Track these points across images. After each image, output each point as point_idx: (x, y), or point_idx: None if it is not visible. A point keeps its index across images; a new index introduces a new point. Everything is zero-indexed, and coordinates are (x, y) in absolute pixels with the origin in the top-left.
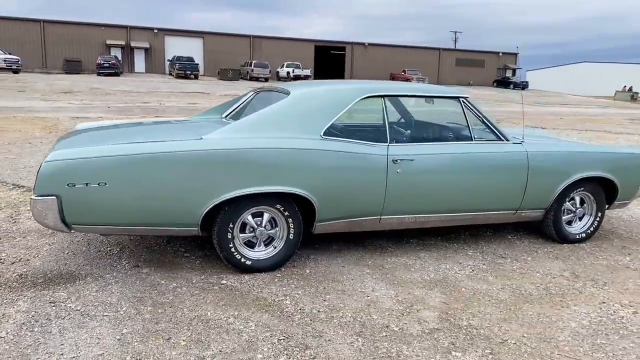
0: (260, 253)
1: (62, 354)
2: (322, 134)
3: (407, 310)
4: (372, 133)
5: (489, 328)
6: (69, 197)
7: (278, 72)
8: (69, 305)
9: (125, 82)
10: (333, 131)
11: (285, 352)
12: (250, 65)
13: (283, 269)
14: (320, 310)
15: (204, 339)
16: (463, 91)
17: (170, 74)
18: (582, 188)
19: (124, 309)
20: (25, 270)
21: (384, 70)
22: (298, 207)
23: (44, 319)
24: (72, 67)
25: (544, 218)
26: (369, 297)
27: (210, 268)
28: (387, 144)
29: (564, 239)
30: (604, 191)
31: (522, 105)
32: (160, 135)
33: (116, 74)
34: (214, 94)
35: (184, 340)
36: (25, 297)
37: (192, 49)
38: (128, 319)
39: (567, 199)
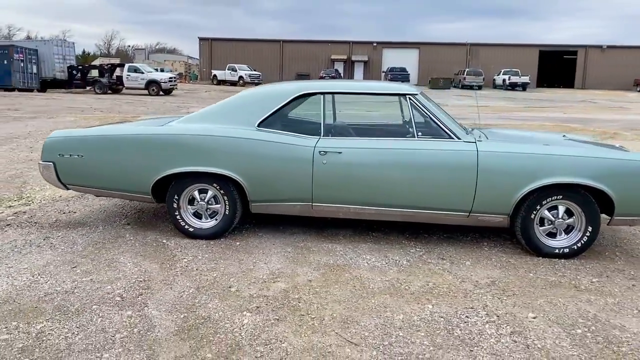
0: (204, 223)
1: (6, 264)
2: (256, 125)
3: (267, 280)
4: (308, 126)
5: (309, 303)
6: (60, 164)
7: (494, 79)
8: (52, 240)
9: None
10: (269, 123)
11: (130, 288)
12: (463, 74)
13: (223, 239)
14: (198, 269)
15: (94, 270)
16: (412, 89)
17: None
18: (561, 196)
19: (77, 247)
20: (64, 218)
21: (626, 75)
22: (235, 188)
23: (28, 245)
24: (302, 80)
25: (512, 226)
26: (252, 268)
27: (171, 232)
28: (319, 137)
29: (537, 251)
30: (600, 202)
31: (477, 103)
32: (147, 124)
33: None
34: None
35: (80, 269)
36: (38, 233)
37: (408, 59)
38: (71, 253)
39: (540, 207)
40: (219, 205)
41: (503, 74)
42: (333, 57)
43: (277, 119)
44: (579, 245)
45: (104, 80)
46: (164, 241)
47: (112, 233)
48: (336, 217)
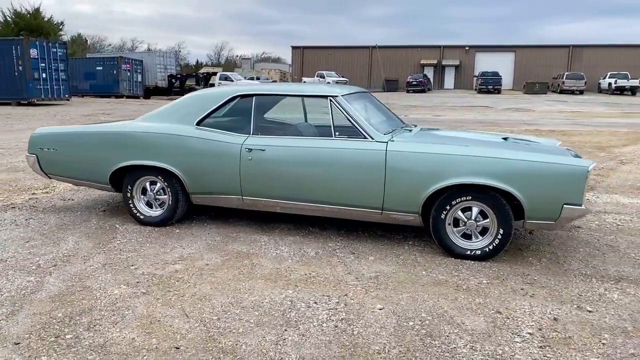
0: (153, 212)
1: None
2: (195, 124)
3: (169, 262)
4: (241, 126)
5: (185, 282)
6: (41, 156)
7: (599, 83)
8: (31, 220)
9: (421, 98)
10: (208, 122)
11: (52, 260)
12: (562, 77)
13: (169, 227)
14: (121, 250)
15: (39, 245)
16: (337, 91)
17: (475, 89)
18: (470, 197)
19: (45, 226)
20: (60, 204)
21: None
22: (176, 181)
23: (10, 223)
24: (390, 85)
25: (425, 224)
26: (168, 252)
27: (131, 219)
28: (248, 135)
29: (449, 251)
30: (514, 205)
31: (387, 104)
32: (114, 123)
33: (422, 91)
34: (496, 107)
35: (30, 244)
36: (27, 214)
37: (503, 63)
38: (35, 231)
39: (450, 207)
40: (165, 196)
41: (609, 78)
42: (422, 62)
43: (216, 119)
44: (490, 247)
45: (199, 88)
46: (117, 226)
47: (83, 217)
48: (270, 212)
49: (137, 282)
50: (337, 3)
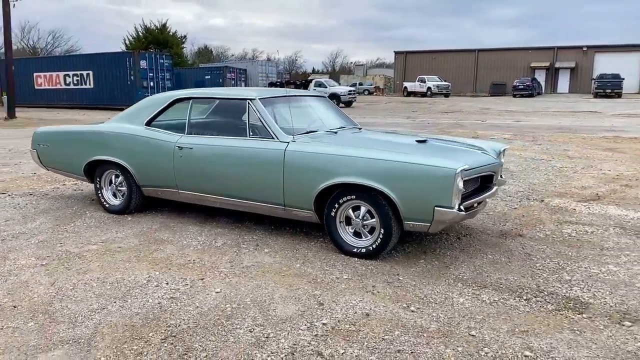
0: (115, 202)
1: None
2: (144, 124)
3: (92, 243)
4: (179, 126)
5: (84, 259)
6: (39, 150)
7: None
8: (28, 204)
9: (524, 103)
10: (154, 123)
11: (8, 234)
12: None
13: (127, 215)
14: (68, 231)
15: (14, 223)
16: (256, 94)
17: (591, 93)
18: (354, 196)
19: (32, 209)
20: (68, 193)
21: None
22: (130, 174)
23: (10, 206)
24: (497, 89)
25: (321, 221)
26: (101, 234)
27: (100, 208)
28: (182, 134)
29: (340, 248)
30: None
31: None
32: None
33: (530, 95)
34: (605, 113)
35: (5, 222)
36: (31, 199)
37: (627, 65)
38: (20, 213)
39: (338, 205)
40: (125, 188)
41: None
42: (533, 64)
43: (163, 119)
44: (374, 246)
45: None
46: (88, 212)
47: (69, 204)
48: (201, 204)
49: (47, 257)
50: (461, 5)
